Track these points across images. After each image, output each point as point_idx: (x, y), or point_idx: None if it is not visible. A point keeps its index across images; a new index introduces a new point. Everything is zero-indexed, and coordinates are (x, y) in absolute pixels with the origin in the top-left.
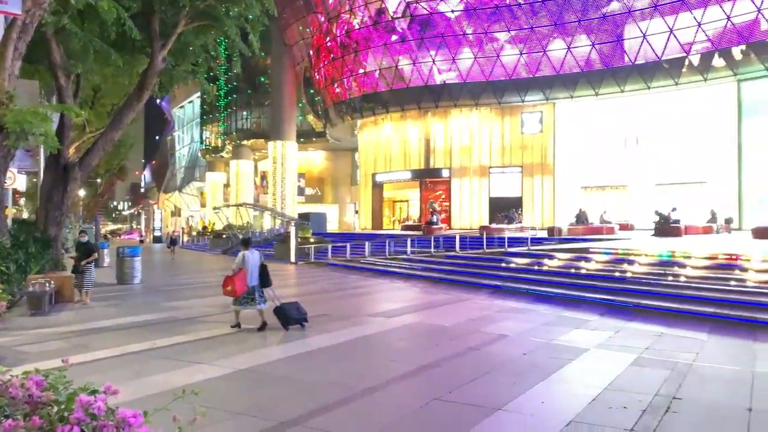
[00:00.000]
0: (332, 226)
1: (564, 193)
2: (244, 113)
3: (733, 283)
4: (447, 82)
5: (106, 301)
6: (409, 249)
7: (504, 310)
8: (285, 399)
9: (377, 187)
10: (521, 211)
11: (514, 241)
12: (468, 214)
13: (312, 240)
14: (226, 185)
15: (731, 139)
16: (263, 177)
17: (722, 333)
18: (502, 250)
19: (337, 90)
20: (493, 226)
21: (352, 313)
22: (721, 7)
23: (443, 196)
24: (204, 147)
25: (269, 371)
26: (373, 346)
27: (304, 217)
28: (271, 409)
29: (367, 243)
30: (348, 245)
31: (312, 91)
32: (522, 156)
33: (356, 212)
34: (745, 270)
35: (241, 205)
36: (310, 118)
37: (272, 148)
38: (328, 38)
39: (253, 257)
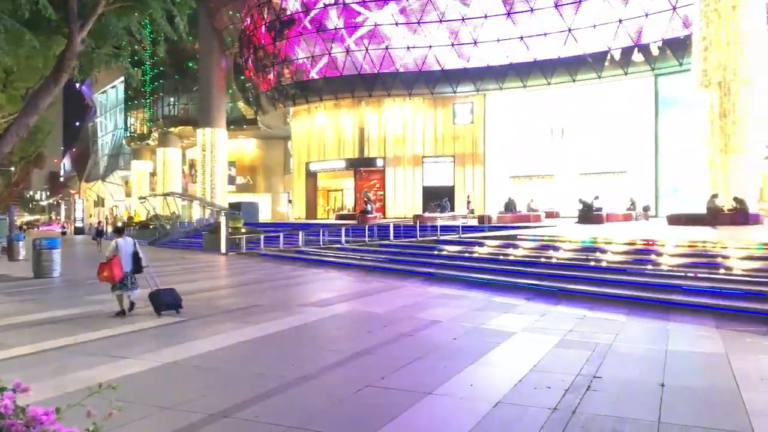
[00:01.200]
0: (265, 216)
1: (494, 182)
2: (171, 99)
3: (649, 267)
4: (380, 71)
5: (21, 296)
6: (343, 238)
7: (436, 297)
8: (215, 391)
9: (311, 176)
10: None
11: (447, 230)
12: (402, 203)
13: (243, 230)
14: (153, 174)
15: (649, 131)
16: (192, 165)
17: (639, 314)
18: (435, 238)
19: (269, 77)
20: (427, 214)
21: (285, 303)
22: (639, 4)
23: (377, 185)
24: (129, 134)
25: (198, 364)
26: (306, 335)
27: (235, 206)
28: (200, 402)
29: (300, 232)
30: (281, 235)
31: (242, 77)
32: (454, 146)
33: (289, 201)
34: (660, 255)
35: (168, 194)
36: (241, 105)
37: (201, 136)
38: (258, 23)
39: (126, 244)
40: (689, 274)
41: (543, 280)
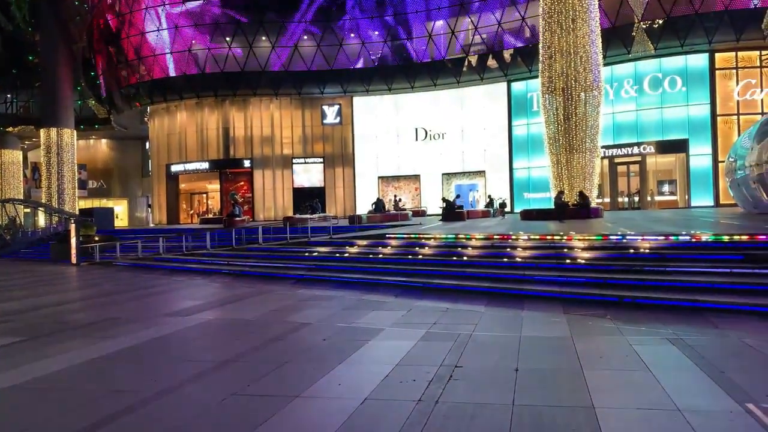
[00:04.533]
0: (122, 223)
1: (363, 182)
2: (9, 96)
3: (505, 260)
4: (245, 69)
5: None
6: (209, 243)
7: (307, 299)
8: (64, 413)
9: (172, 179)
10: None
11: (318, 231)
12: (272, 204)
13: (97, 238)
14: None
15: (504, 133)
16: (35, 169)
17: (497, 305)
18: (306, 239)
19: (123, 73)
20: (297, 216)
21: (144, 314)
22: (493, 13)
23: (245, 187)
24: None
25: (45, 385)
26: (167, 347)
27: (86, 213)
28: (47, 426)
29: (161, 239)
30: (139, 242)
31: (93, 73)
32: (324, 147)
33: (149, 206)
34: (514, 248)
35: (7, 201)
36: (92, 103)
37: (45, 136)
38: (109, 16)
39: None
40: (540, 265)
41: (410, 277)
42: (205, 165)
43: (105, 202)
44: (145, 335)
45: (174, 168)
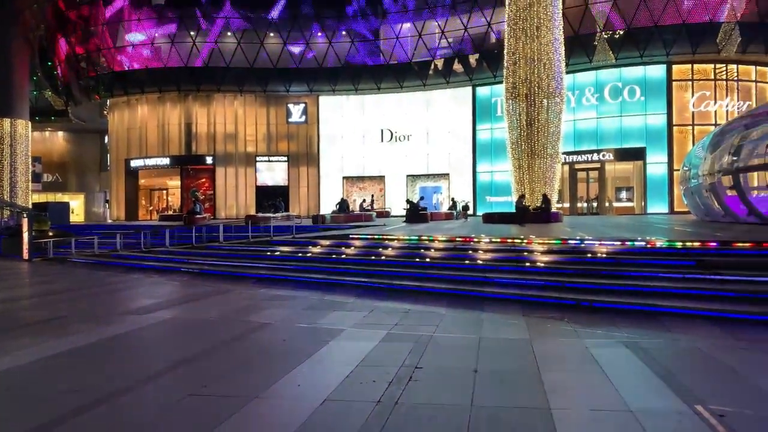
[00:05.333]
0: (78, 218)
1: (328, 182)
2: None
3: (467, 262)
4: (210, 65)
5: None
6: (168, 240)
7: (268, 299)
8: (13, 415)
9: (131, 174)
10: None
11: (281, 230)
12: (234, 202)
13: (51, 233)
14: None
15: (468, 137)
16: None
17: (458, 306)
18: (268, 239)
19: (82, 65)
20: (260, 215)
21: (99, 312)
22: (460, 18)
23: (207, 184)
24: None
25: None
26: (123, 346)
27: (40, 207)
28: (2, 427)
29: (118, 235)
30: (95, 238)
31: (50, 63)
32: (288, 145)
33: (107, 202)
34: (476, 251)
35: None
36: (49, 94)
37: None
38: (69, 4)
39: None
40: (501, 268)
41: (373, 278)
42: (166, 161)
43: (60, 197)
44: (99, 334)
45: (134, 163)
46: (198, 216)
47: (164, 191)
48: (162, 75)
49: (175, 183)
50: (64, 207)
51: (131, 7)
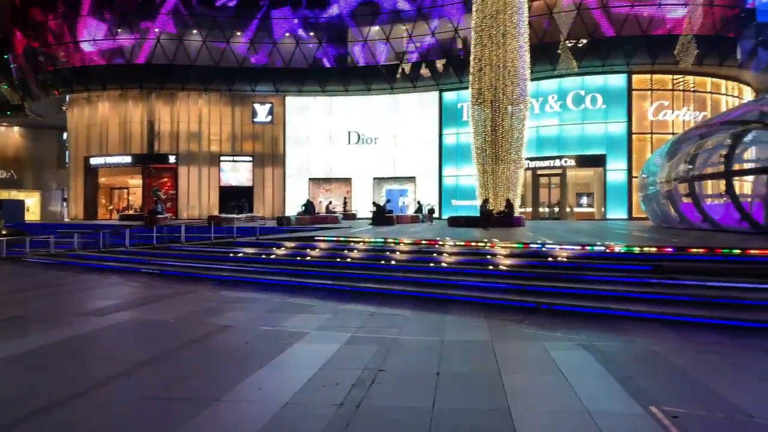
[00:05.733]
0: (33, 216)
1: (294, 183)
2: None
3: (432, 265)
4: (174, 63)
5: None
6: (128, 241)
7: (230, 301)
8: None
9: (91, 172)
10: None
11: (244, 231)
12: (197, 203)
13: (5, 232)
14: None
15: (435, 141)
16: None
17: (422, 309)
18: (231, 240)
19: (41, 58)
20: (223, 215)
21: (54, 314)
22: (427, 23)
23: (169, 184)
24: None
25: None
26: (79, 348)
27: None
28: None
29: (76, 234)
30: (52, 238)
31: (6, 56)
32: (253, 145)
33: (64, 200)
34: (441, 254)
35: None
36: (4, 87)
37: None
38: None
39: None
40: (465, 271)
41: (337, 281)
42: (128, 159)
43: (15, 194)
44: (54, 336)
45: (93, 161)
46: (160, 216)
47: (125, 190)
48: (124, 72)
49: (136, 182)
50: (19, 205)
51: (92, 2)
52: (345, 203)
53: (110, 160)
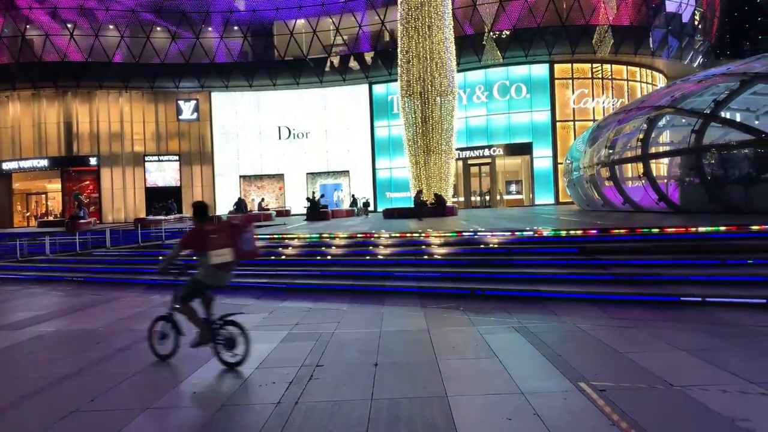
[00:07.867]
0: None
1: (224, 181)
2: None
3: (368, 257)
4: (90, 60)
5: None
6: (48, 248)
7: (159, 306)
8: None
9: (4, 177)
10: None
11: (173, 233)
12: (122, 205)
13: None
14: None
15: (367, 134)
16: None
17: (359, 302)
18: (160, 243)
19: None
20: (151, 217)
21: None
22: (354, 16)
23: (91, 187)
24: None
25: None
26: None
27: None
28: None
29: None
30: None
31: None
32: (179, 144)
33: None
34: (376, 246)
35: None
36: None
37: None
38: None
39: None
40: (401, 262)
41: (273, 278)
42: (44, 162)
43: None
44: None
45: (6, 165)
46: (82, 221)
47: (43, 195)
48: (37, 70)
49: (55, 186)
50: None
51: None
52: (263, 200)
53: (24, 164)
